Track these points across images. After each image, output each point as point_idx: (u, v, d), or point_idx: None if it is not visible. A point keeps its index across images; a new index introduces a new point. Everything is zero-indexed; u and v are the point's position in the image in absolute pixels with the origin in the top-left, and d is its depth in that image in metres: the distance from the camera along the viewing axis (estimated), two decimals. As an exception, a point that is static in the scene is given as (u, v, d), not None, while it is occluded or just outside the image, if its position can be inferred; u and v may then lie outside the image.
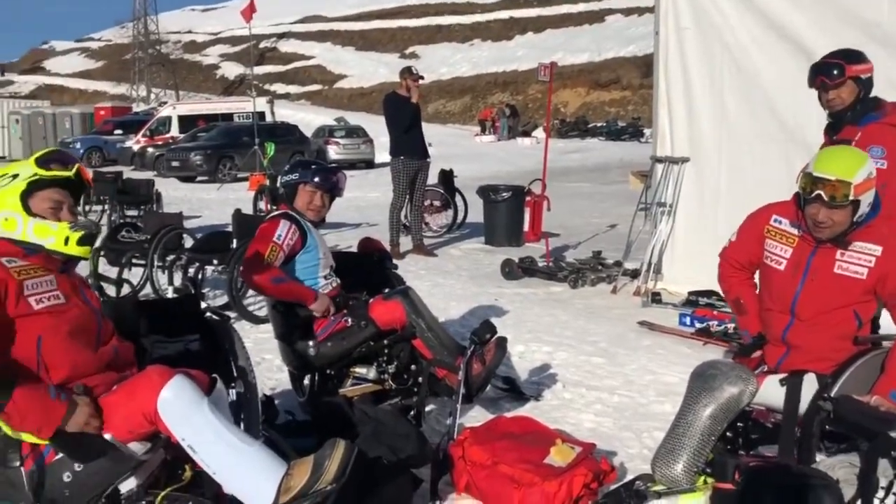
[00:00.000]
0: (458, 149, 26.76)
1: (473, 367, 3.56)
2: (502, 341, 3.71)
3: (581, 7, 55.42)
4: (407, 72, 8.34)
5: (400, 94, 8.32)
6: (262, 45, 61.01)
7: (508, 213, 9.12)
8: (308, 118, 37.32)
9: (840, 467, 2.46)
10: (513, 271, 7.27)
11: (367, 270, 4.19)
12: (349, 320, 3.73)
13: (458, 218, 10.44)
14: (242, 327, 5.25)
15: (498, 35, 55.88)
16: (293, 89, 55.53)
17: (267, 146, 15.59)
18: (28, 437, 2.21)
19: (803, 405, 2.64)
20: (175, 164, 21.24)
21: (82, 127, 33.43)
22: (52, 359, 2.27)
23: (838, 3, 5.29)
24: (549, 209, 9.39)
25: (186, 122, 26.59)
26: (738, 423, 2.78)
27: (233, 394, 2.63)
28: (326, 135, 25.66)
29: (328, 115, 40.55)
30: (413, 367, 3.80)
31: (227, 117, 26.92)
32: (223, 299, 6.14)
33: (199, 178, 20.93)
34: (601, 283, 6.94)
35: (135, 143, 26.12)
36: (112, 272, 6.47)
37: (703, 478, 2.60)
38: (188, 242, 6.70)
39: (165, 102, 40.31)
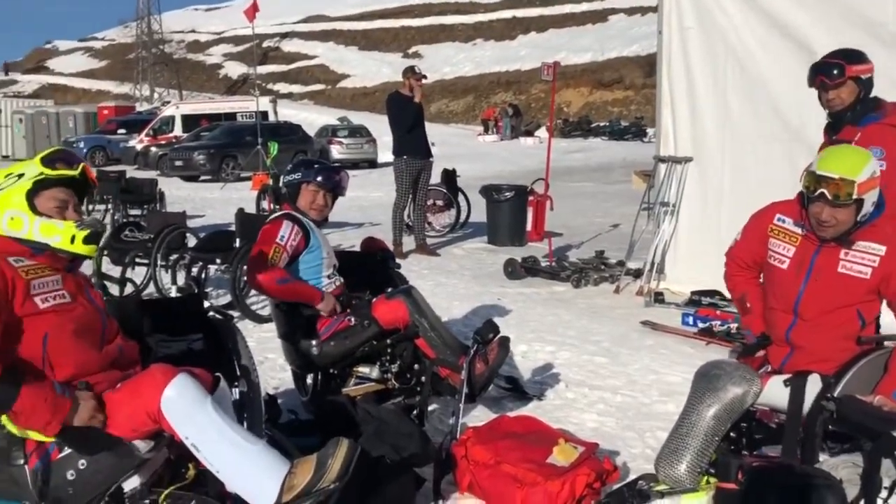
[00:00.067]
0: (461, 148, 26.77)
1: (476, 367, 3.56)
2: (505, 341, 3.71)
3: (584, 7, 55.39)
4: (410, 71, 8.34)
5: (403, 94, 8.32)
6: (266, 44, 61.03)
7: (511, 212, 9.12)
8: (311, 118, 37.35)
9: (843, 467, 2.45)
10: (516, 271, 7.27)
11: (370, 270, 4.19)
12: (352, 319, 3.73)
13: (460, 217, 10.44)
14: (245, 326, 5.26)
15: (501, 35, 55.88)
16: (296, 89, 55.58)
17: (270, 146, 15.59)
18: (34, 435, 2.22)
19: (807, 406, 2.64)
20: (178, 163, 21.28)
21: (86, 126, 33.49)
22: (58, 357, 2.28)
23: (843, 3, 5.28)
24: (552, 209, 9.39)
25: (190, 121, 26.64)
26: (742, 424, 2.77)
27: (236, 393, 2.63)
28: (329, 134, 25.68)
29: (331, 114, 40.59)
30: (416, 366, 3.80)
31: (231, 117, 26.96)
32: (226, 298, 6.15)
33: (202, 178, 20.96)
34: (604, 283, 6.94)
35: (138, 142, 26.18)
36: (115, 271, 6.47)
37: (706, 478, 2.60)
38: (191, 242, 6.71)
39: (169, 102, 40.40)
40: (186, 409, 2.27)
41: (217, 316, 2.97)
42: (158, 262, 6.32)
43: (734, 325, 5.12)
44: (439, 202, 10.32)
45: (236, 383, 2.67)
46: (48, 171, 2.35)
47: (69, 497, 2.25)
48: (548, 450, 3.01)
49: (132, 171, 17.03)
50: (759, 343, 2.96)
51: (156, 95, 55.74)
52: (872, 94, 3.80)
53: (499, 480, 2.92)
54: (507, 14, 57.98)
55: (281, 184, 3.99)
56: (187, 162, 21.09)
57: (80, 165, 2.41)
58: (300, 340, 3.70)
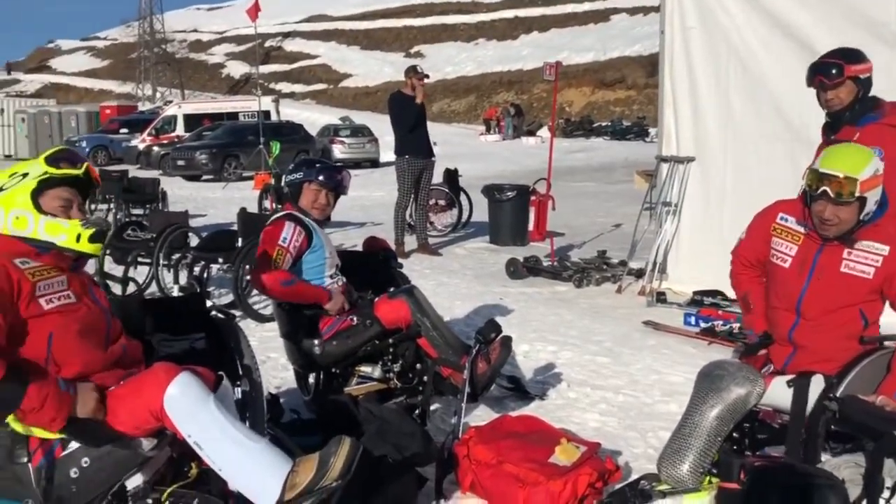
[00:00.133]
0: (462, 148, 26.75)
1: (478, 366, 3.56)
2: (507, 340, 3.72)
3: (586, 6, 55.41)
4: (412, 71, 8.35)
5: (405, 94, 8.32)
6: (268, 44, 61.10)
7: (513, 212, 9.12)
8: (313, 117, 37.39)
9: (845, 467, 2.45)
10: (517, 270, 7.27)
11: (373, 269, 4.19)
12: (354, 319, 3.73)
13: (462, 217, 10.44)
14: (247, 326, 5.26)
15: (503, 34, 55.89)
16: (298, 88, 55.62)
17: (272, 145, 15.61)
18: (38, 432, 2.22)
19: (810, 406, 2.64)
20: (180, 162, 21.30)
21: (88, 126, 33.51)
22: (63, 357, 2.28)
23: (845, 3, 5.28)
24: (554, 208, 9.39)
25: (192, 120, 26.64)
26: (745, 424, 2.77)
27: (238, 392, 2.64)
28: (331, 134, 25.69)
29: (333, 114, 40.61)
30: (418, 365, 3.81)
31: (233, 116, 26.97)
32: (228, 298, 6.15)
33: (204, 177, 20.98)
34: (606, 283, 6.94)
35: (140, 141, 26.18)
36: (118, 270, 6.48)
37: (708, 478, 2.60)
38: (193, 241, 6.72)
39: (171, 101, 40.44)
40: (189, 408, 2.28)
41: (219, 315, 2.98)
42: (161, 262, 6.32)
43: (736, 325, 5.11)
44: (441, 202, 10.32)
45: (238, 382, 2.67)
46: (52, 171, 2.35)
47: (72, 495, 2.25)
48: (550, 449, 3.01)
49: (134, 171, 17.00)
50: (760, 342, 2.96)
51: (158, 95, 55.80)
52: (871, 94, 3.79)
53: (501, 480, 2.92)
54: (509, 14, 58.00)
55: (283, 183, 3.99)
56: (189, 161, 21.10)
57: (83, 165, 2.42)
58: (302, 340, 3.70)
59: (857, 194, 2.61)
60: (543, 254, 7.87)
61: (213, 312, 3.02)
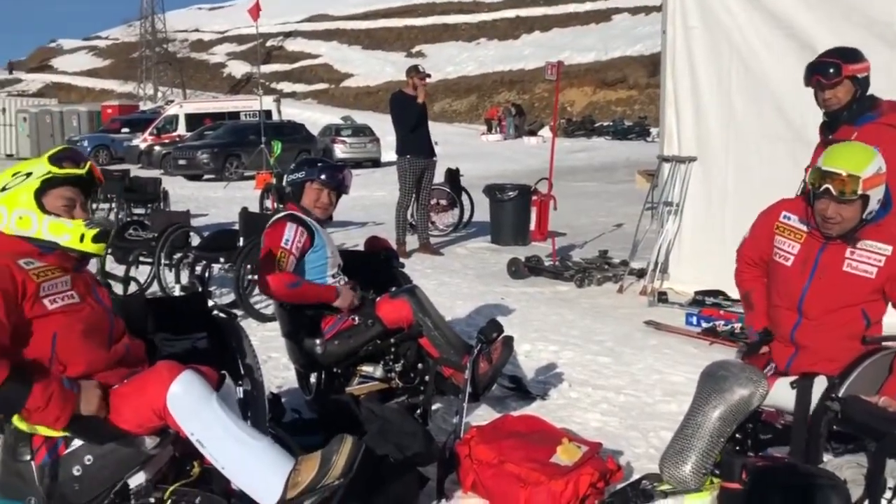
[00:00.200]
0: (464, 148, 26.75)
1: (480, 366, 3.56)
2: (509, 340, 3.72)
3: (588, 6, 55.42)
4: (413, 70, 8.34)
5: (406, 93, 8.32)
6: (269, 43, 61.12)
7: (515, 212, 9.12)
8: (314, 117, 37.39)
9: (847, 467, 2.45)
10: (519, 270, 7.27)
11: (374, 269, 4.19)
12: (356, 318, 3.73)
13: (464, 217, 10.44)
14: (249, 325, 5.27)
15: (504, 34, 55.90)
16: (300, 88, 55.64)
17: (274, 145, 15.63)
18: (43, 430, 2.23)
19: (813, 406, 2.63)
20: (182, 162, 21.31)
21: (89, 125, 33.50)
22: (67, 356, 2.29)
23: (847, 3, 5.28)
24: (556, 208, 9.39)
25: (193, 120, 26.66)
26: (748, 425, 2.76)
27: (240, 391, 2.64)
28: (333, 133, 25.69)
29: (335, 113, 40.61)
30: (420, 365, 3.81)
31: (234, 116, 26.96)
32: (230, 297, 6.15)
33: (205, 177, 20.99)
34: (607, 283, 6.94)
35: (142, 141, 26.19)
36: (119, 270, 6.49)
37: (710, 479, 2.59)
38: (195, 240, 6.72)
39: (172, 101, 40.46)
40: (192, 406, 2.28)
41: (221, 315, 2.98)
42: (162, 261, 6.33)
43: (738, 325, 5.11)
44: (443, 201, 10.32)
45: (240, 382, 2.67)
46: (56, 170, 2.35)
47: (75, 493, 2.26)
48: (551, 449, 3.01)
49: (136, 170, 17.02)
50: (761, 339, 2.95)
51: (159, 94, 55.83)
52: (870, 93, 3.79)
53: (502, 480, 2.92)
54: (510, 13, 58.00)
55: (285, 183, 3.99)
56: (191, 161, 21.12)
57: (86, 164, 2.42)
58: (304, 339, 3.70)
59: (859, 192, 2.61)
60: (545, 253, 7.87)
61: (215, 312, 3.03)
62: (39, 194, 2.34)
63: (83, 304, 2.37)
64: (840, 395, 2.57)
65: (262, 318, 5.65)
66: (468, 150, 26.24)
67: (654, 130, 28.45)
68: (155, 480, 2.39)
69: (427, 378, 3.74)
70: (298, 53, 61.56)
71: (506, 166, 21.27)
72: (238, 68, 60.66)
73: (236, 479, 2.35)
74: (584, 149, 27.96)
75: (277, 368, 4.56)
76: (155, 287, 6.40)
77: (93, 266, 5.73)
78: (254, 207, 9.92)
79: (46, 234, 2.33)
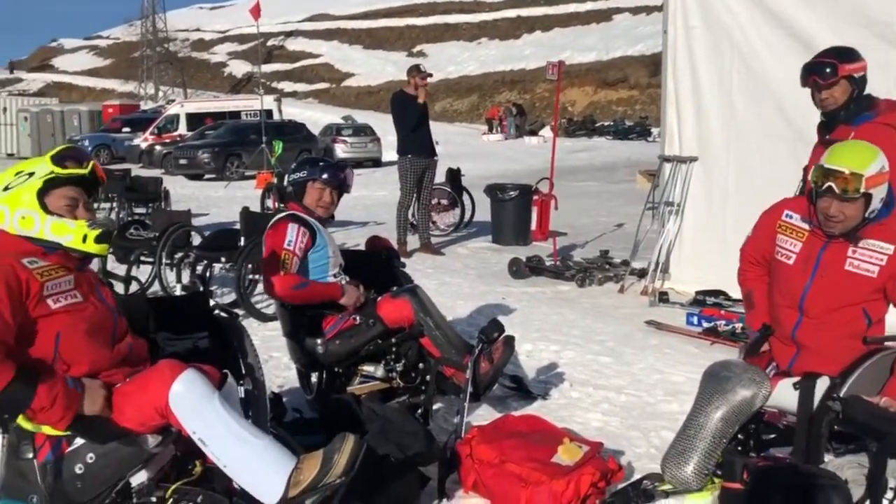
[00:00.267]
0: (465, 147, 26.75)
1: (481, 366, 3.56)
2: (510, 340, 3.72)
3: (589, 6, 55.40)
4: (415, 70, 8.34)
5: (407, 93, 8.32)
6: (270, 43, 61.12)
7: (516, 211, 9.12)
8: (315, 116, 37.39)
9: (849, 468, 2.45)
10: (520, 270, 7.27)
11: (375, 269, 4.19)
12: (357, 318, 3.74)
13: (465, 217, 10.44)
14: (250, 325, 5.26)
15: (505, 34, 55.89)
16: (301, 87, 55.63)
17: (275, 144, 15.61)
18: (46, 429, 2.23)
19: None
20: (183, 161, 21.31)
21: (90, 124, 33.50)
22: (71, 356, 2.29)
23: (849, 3, 5.27)
24: (557, 208, 9.38)
25: (194, 119, 26.67)
26: (751, 425, 2.76)
27: (241, 391, 2.64)
28: (334, 133, 25.68)
29: (336, 113, 40.59)
30: (421, 365, 3.81)
31: (235, 115, 26.96)
32: (231, 297, 6.16)
33: (206, 176, 20.99)
34: (608, 283, 6.94)
35: (143, 140, 26.19)
36: (120, 269, 6.49)
37: (711, 479, 2.59)
38: (196, 240, 6.73)
39: (173, 100, 40.45)
40: (194, 404, 2.28)
41: (222, 314, 2.98)
42: (163, 261, 6.33)
43: (739, 325, 5.12)
44: (444, 201, 10.32)
45: (242, 381, 2.67)
46: (59, 170, 2.35)
47: (77, 491, 2.26)
48: (552, 449, 3.01)
49: (137, 170, 17.03)
50: (762, 335, 2.95)
51: (160, 94, 55.83)
52: (867, 92, 3.78)
53: (503, 479, 2.92)
54: (511, 13, 57.99)
55: (286, 182, 3.99)
56: (192, 160, 21.12)
57: (89, 163, 2.42)
58: (305, 339, 3.71)
59: (862, 190, 2.61)
60: (546, 253, 7.87)
61: (217, 311, 3.03)
62: (42, 194, 2.34)
63: (86, 304, 2.37)
64: (841, 395, 2.57)
65: (264, 318, 5.65)
66: (469, 149, 26.24)
67: (655, 130, 28.41)
68: (157, 479, 2.40)
69: (428, 378, 3.74)
70: (299, 53, 61.56)
71: (507, 166, 21.26)
72: (239, 68, 60.66)
73: (238, 477, 2.35)
74: (585, 149, 27.95)
75: (279, 368, 4.56)
76: (156, 286, 6.41)
77: (94, 265, 5.76)
78: (255, 207, 9.92)
79: (49, 235, 2.33)
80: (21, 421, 2.22)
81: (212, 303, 3.21)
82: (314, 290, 3.68)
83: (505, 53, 51.85)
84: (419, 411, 3.67)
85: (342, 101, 51.00)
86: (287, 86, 54.45)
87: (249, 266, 5.86)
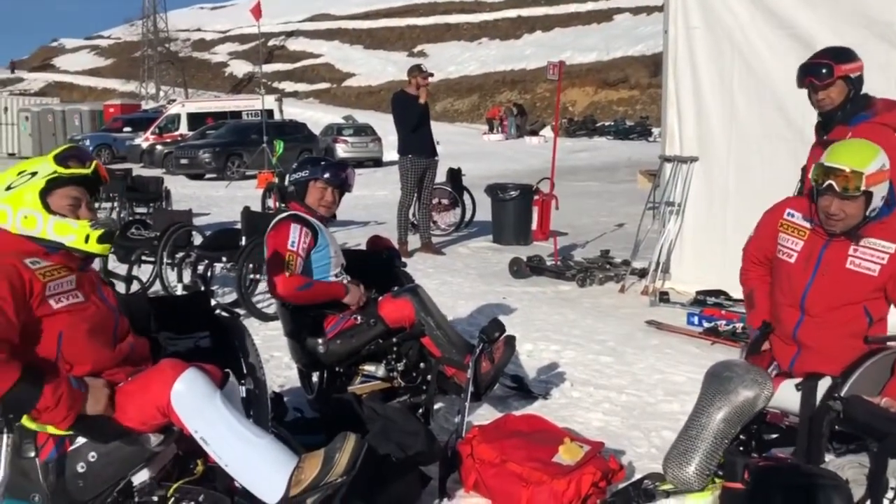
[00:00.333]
0: (466, 147, 26.75)
1: (482, 366, 3.56)
2: (511, 340, 3.72)
3: (589, 6, 55.41)
4: (416, 70, 8.34)
5: (408, 93, 8.31)
6: (271, 43, 61.13)
7: (516, 211, 9.12)
8: (316, 116, 37.40)
9: (849, 467, 2.45)
10: (521, 270, 7.27)
11: (376, 269, 4.19)
12: (358, 318, 3.74)
13: (466, 216, 10.45)
14: (251, 324, 5.26)
15: (506, 34, 55.90)
16: (301, 87, 55.65)
17: (275, 144, 15.64)
18: (50, 428, 2.23)
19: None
20: (184, 161, 21.33)
21: (91, 124, 33.50)
22: (73, 355, 2.29)
23: (849, 3, 5.27)
24: (558, 208, 9.39)
25: (195, 119, 26.69)
26: (752, 426, 2.76)
27: (242, 391, 2.65)
28: (335, 133, 25.70)
29: (336, 113, 40.59)
30: (422, 364, 3.81)
31: (236, 115, 26.98)
32: (232, 296, 6.16)
33: (207, 176, 21.00)
34: (609, 283, 6.94)
35: (144, 140, 26.22)
36: (121, 269, 6.49)
37: (713, 479, 2.60)
38: (197, 240, 6.73)
39: (174, 100, 40.45)
40: (196, 403, 2.29)
41: (224, 314, 2.99)
42: (164, 260, 6.34)
43: (739, 325, 5.12)
44: (444, 201, 10.33)
45: (243, 381, 2.68)
46: (61, 170, 2.35)
47: (79, 490, 2.27)
48: (553, 449, 3.02)
49: (138, 170, 17.05)
50: (762, 333, 2.95)
51: (161, 94, 55.84)
52: (864, 92, 3.78)
53: (504, 479, 2.93)
54: (512, 13, 57.99)
55: (287, 182, 3.99)
56: (193, 160, 21.13)
57: (92, 163, 2.42)
58: (306, 338, 3.71)
59: (862, 188, 2.61)
60: (547, 253, 7.88)
61: (218, 311, 3.03)
62: (45, 194, 2.34)
63: (88, 304, 2.37)
64: (842, 394, 2.57)
65: (265, 318, 5.66)
66: (470, 149, 26.24)
67: (655, 130, 28.42)
68: (158, 478, 2.40)
69: (429, 377, 3.74)
70: (300, 53, 61.57)
71: (507, 166, 21.27)
72: (240, 68, 60.68)
73: (240, 476, 2.35)
74: (585, 149, 27.96)
75: (280, 368, 4.56)
76: (157, 286, 6.41)
77: (95, 265, 5.76)
78: (256, 206, 9.92)
79: (51, 235, 2.33)
80: (24, 420, 2.22)
81: (213, 302, 3.22)
82: (318, 291, 3.68)
83: (505, 53, 51.85)
84: (420, 411, 3.67)
85: (343, 101, 51.01)
86: (288, 86, 54.46)
87: (250, 266, 5.87)
